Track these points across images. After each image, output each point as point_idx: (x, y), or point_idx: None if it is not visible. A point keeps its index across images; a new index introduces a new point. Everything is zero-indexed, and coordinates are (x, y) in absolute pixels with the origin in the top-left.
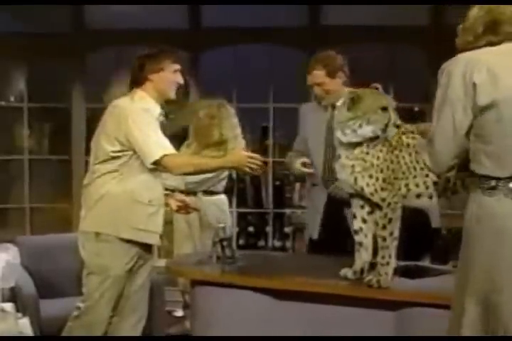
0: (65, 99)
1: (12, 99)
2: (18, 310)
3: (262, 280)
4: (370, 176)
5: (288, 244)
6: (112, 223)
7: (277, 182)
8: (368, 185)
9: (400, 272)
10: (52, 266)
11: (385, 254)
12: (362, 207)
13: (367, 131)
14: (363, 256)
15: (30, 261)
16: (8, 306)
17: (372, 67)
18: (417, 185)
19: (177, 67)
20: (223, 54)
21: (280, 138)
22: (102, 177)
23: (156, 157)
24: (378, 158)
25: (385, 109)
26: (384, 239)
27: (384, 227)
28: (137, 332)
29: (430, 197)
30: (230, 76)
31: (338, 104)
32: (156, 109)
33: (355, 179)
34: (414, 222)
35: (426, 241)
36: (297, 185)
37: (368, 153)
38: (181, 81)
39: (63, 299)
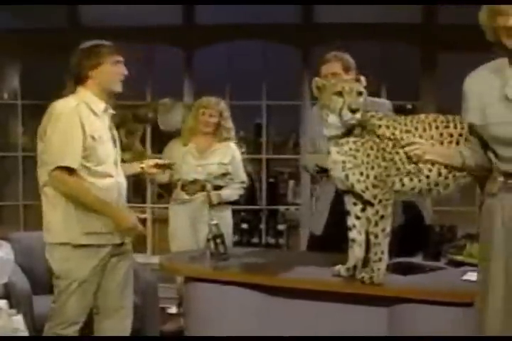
0: (59, 96)
1: (6, 96)
2: (11, 307)
3: (255, 277)
4: (361, 173)
5: (282, 241)
6: (65, 231)
7: (271, 180)
8: (358, 181)
9: (393, 268)
10: (46, 263)
11: (378, 251)
12: (355, 204)
13: (333, 119)
14: (356, 253)
15: (24, 258)
16: (2, 303)
17: (365, 64)
18: (410, 180)
19: (118, 58)
20: (217, 51)
21: (273, 136)
22: (46, 185)
23: (52, 166)
24: (368, 155)
25: (339, 93)
26: (376, 236)
27: (376, 224)
28: (125, 330)
29: (420, 192)
30: (223, 73)
31: None
32: (99, 106)
33: (347, 176)
34: (407, 219)
35: (418, 237)
36: (291, 183)
37: (358, 150)
38: (125, 72)
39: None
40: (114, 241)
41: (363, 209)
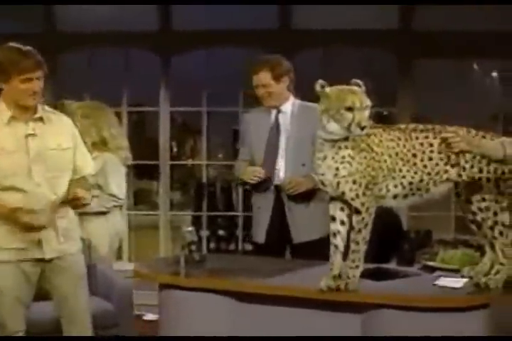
0: None
1: None
2: None
3: (228, 283)
4: (354, 182)
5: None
6: None
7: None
8: (350, 190)
9: (367, 274)
10: None
11: (356, 258)
12: (342, 209)
13: (334, 127)
14: (339, 260)
15: None
16: None
17: (342, 70)
18: (395, 186)
19: (28, 76)
20: (194, 57)
21: None
22: None
23: None
24: (362, 164)
25: (350, 109)
26: (357, 243)
27: (359, 231)
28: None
29: (405, 197)
30: (200, 80)
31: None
32: (5, 114)
33: (338, 183)
34: (382, 225)
35: (393, 243)
36: None
37: (353, 158)
38: (35, 88)
39: (46, 302)
40: (27, 257)
41: (349, 215)
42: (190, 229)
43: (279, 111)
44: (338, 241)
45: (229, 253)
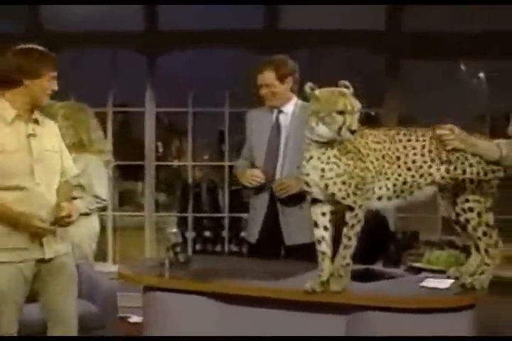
0: None
1: None
2: None
3: (214, 285)
4: (343, 182)
5: (245, 249)
6: None
7: (234, 187)
8: (339, 190)
9: (352, 275)
10: None
11: (347, 254)
12: (323, 214)
13: (323, 130)
14: (328, 266)
15: None
16: None
17: (329, 71)
18: (380, 188)
19: (55, 74)
20: (181, 58)
21: (236, 142)
22: None
23: None
24: (349, 165)
25: (341, 112)
26: (349, 239)
27: (352, 227)
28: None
29: (389, 199)
30: (187, 80)
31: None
32: (10, 113)
33: (326, 185)
34: (369, 226)
35: (379, 244)
36: None
37: (340, 159)
38: (55, 87)
39: (34, 304)
40: (28, 257)
41: (331, 221)
42: (174, 230)
43: (280, 112)
44: (324, 248)
45: (215, 255)
